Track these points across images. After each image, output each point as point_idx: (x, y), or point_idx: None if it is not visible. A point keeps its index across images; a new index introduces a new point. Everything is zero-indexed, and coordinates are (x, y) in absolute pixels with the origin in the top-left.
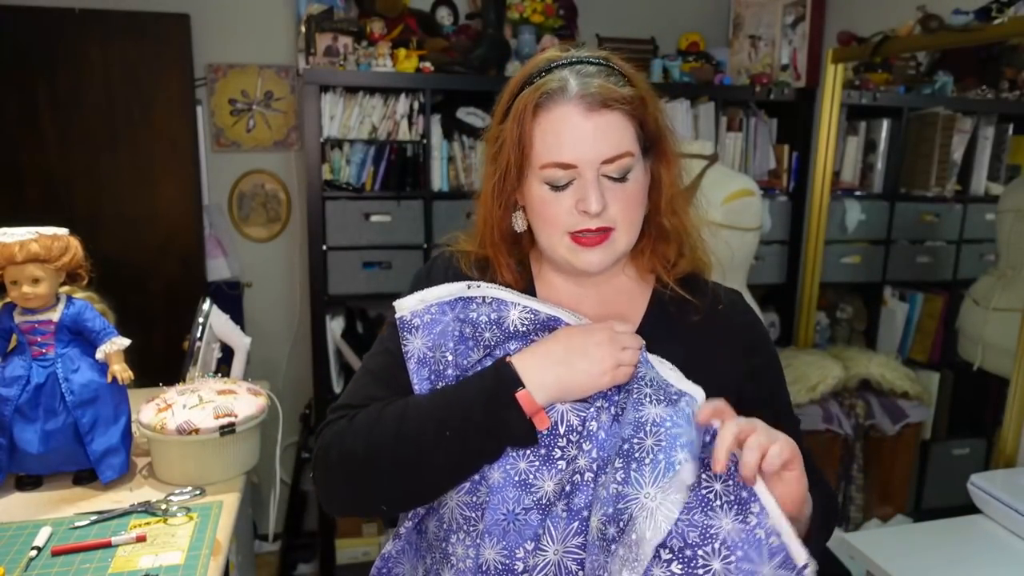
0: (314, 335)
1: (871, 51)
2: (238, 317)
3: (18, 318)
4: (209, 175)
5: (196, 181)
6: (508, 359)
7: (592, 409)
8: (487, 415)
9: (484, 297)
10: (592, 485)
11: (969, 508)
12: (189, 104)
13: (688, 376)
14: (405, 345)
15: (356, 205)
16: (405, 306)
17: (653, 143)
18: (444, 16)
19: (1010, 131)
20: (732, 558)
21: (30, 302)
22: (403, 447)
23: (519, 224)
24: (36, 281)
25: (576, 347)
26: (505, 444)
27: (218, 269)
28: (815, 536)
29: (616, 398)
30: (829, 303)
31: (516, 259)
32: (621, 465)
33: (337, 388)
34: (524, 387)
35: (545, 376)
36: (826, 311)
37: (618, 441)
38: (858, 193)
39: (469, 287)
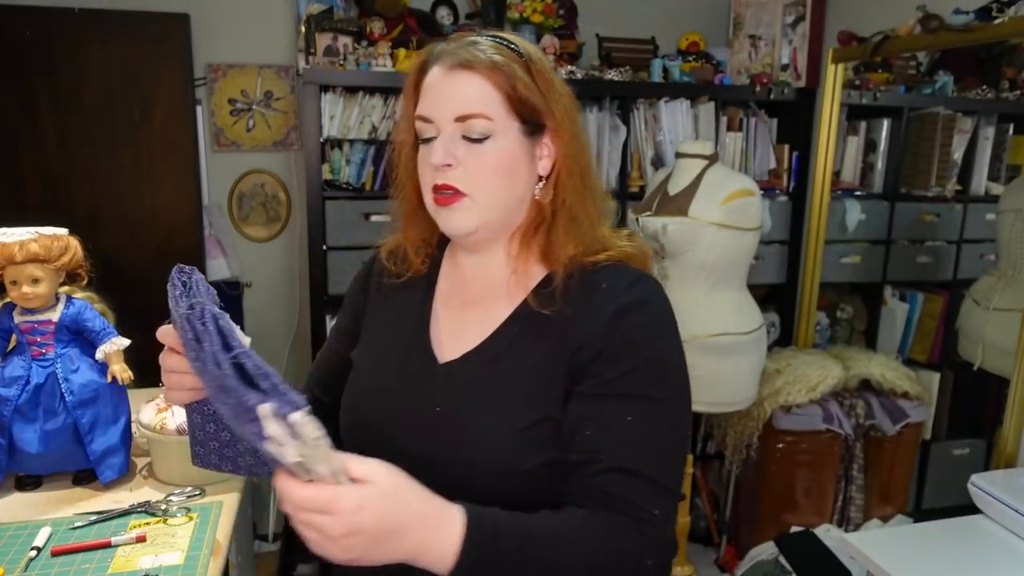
0: (314, 335)
1: (871, 51)
2: (238, 317)
3: (18, 318)
4: (209, 175)
5: (196, 181)
6: None
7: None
8: None
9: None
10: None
11: (969, 508)
12: (189, 104)
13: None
14: None
15: (356, 205)
16: None
17: (533, 119)
18: (444, 16)
19: (1010, 131)
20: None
21: (30, 302)
22: None
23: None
24: (36, 281)
25: None
26: None
27: (218, 269)
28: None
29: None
30: (829, 303)
31: (424, 239)
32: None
33: None
34: None
35: None
36: (826, 311)
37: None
38: (858, 193)
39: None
